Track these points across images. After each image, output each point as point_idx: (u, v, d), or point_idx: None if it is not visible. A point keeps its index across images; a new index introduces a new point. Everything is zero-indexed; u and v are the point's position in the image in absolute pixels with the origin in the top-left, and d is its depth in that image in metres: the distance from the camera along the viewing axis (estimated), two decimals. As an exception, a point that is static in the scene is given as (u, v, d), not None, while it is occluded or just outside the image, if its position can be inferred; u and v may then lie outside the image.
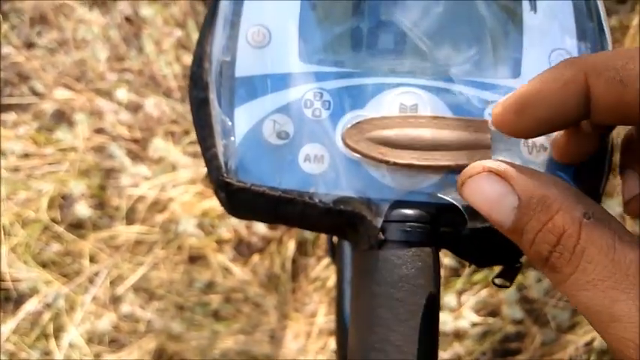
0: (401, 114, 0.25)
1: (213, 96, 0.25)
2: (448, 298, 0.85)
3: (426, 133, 0.24)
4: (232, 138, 0.25)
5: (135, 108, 1.04)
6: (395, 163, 0.23)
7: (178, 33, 1.08)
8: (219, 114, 0.25)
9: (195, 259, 0.94)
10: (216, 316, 0.92)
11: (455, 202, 0.24)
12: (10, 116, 1.06)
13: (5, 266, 0.91)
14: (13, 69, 1.12)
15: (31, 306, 0.91)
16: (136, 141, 1.02)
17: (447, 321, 0.83)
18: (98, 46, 1.06)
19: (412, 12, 0.26)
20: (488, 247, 0.25)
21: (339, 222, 0.25)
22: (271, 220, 0.26)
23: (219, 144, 0.25)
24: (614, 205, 0.83)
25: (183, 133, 1.02)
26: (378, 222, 0.24)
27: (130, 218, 0.96)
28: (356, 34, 0.26)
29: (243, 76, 0.25)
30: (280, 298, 0.90)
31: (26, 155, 1.01)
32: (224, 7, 0.25)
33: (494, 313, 0.86)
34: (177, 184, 0.94)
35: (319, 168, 0.25)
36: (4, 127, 1.04)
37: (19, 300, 0.93)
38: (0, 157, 0.99)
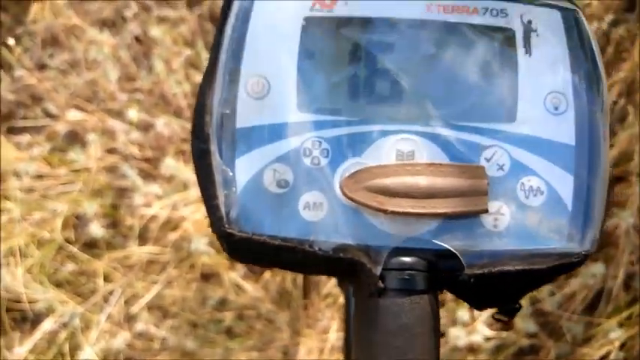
0: (397, 162, 0.25)
1: (214, 147, 0.25)
2: (461, 313, 0.85)
3: (423, 181, 0.24)
4: (233, 188, 0.25)
5: (146, 127, 1.06)
6: (393, 212, 0.24)
7: (187, 52, 1.10)
8: (220, 165, 0.25)
9: (208, 276, 0.94)
10: (230, 333, 0.93)
11: (452, 249, 0.24)
12: (24, 138, 1.08)
13: (21, 287, 0.92)
14: (26, 91, 1.14)
15: (47, 326, 0.92)
16: (147, 160, 1.03)
17: (460, 336, 0.83)
18: (109, 67, 1.08)
19: (407, 60, 0.26)
20: (487, 291, 0.25)
21: (339, 269, 0.25)
22: (273, 266, 0.27)
23: (221, 194, 0.25)
24: (627, 217, 0.83)
25: (194, 151, 1.03)
26: (378, 270, 0.24)
27: (143, 237, 0.97)
28: (352, 83, 0.26)
29: (244, 126, 0.25)
30: (292, 314, 0.91)
31: (40, 176, 1.02)
32: (224, 59, 0.26)
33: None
34: (189, 202, 0.95)
35: (318, 215, 0.25)
36: (18, 148, 1.06)
37: (36, 320, 0.94)
38: (14, 179, 1.01)
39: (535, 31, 0.26)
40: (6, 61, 1.15)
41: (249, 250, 0.25)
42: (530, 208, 0.25)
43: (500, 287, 0.25)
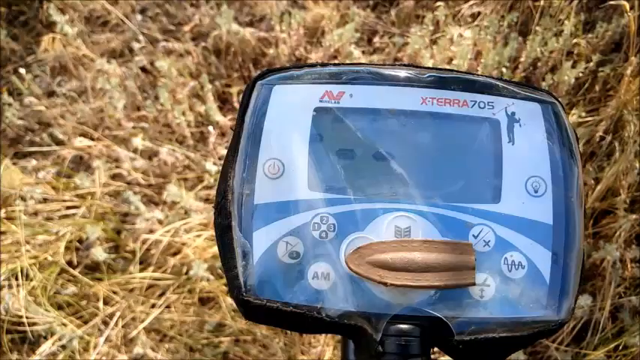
0: (396, 238, 0.28)
1: (234, 223, 0.28)
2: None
3: (418, 257, 0.27)
4: (251, 259, 0.28)
5: (150, 155, 1.09)
6: (392, 284, 0.27)
7: (192, 83, 1.14)
8: (239, 238, 0.28)
9: (206, 301, 0.96)
10: (226, 357, 0.94)
11: (443, 318, 0.27)
12: (31, 162, 1.11)
13: (22, 309, 0.94)
14: (34, 117, 1.17)
15: (46, 348, 0.93)
16: (150, 186, 1.06)
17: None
18: (116, 96, 1.12)
19: (405, 146, 0.30)
20: (474, 353, 0.28)
21: (343, 332, 0.28)
22: (284, 327, 0.30)
23: (240, 265, 0.28)
24: (613, 250, 0.85)
25: (196, 179, 1.06)
26: (378, 336, 0.27)
27: (144, 261, 0.99)
28: (356, 166, 0.30)
29: (261, 203, 0.29)
30: (287, 340, 0.92)
31: (45, 200, 1.05)
32: (244, 145, 0.30)
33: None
34: (190, 228, 0.98)
35: (326, 284, 0.28)
36: (24, 172, 1.09)
37: (35, 342, 0.95)
38: (19, 202, 1.04)
39: (518, 121, 0.30)
40: (16, 88, 1.19)
41: (264, 315, 0.28)
42: (512, 280, 0.28)
43: (485, 351, 0.28)
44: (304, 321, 0.28)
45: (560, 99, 1.09)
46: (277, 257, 0.28)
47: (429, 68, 0.31)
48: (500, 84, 0.31)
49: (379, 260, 0.27)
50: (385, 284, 0.27)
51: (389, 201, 0.29)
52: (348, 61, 1.14)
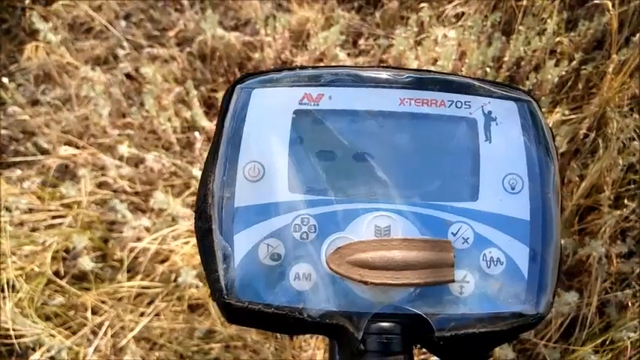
0: (376, 237, 0.28)
1: (215, 226, 0.29)
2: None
3: (398, 255, 0.27)
4: (232, 262, 0.28)
5: (136, 162, 1.08)
6: (372, 283, 0.27)
7: (177, 89, 1.13)
8: (220, 241, 0.28)
9: (195, 308, 0.96)
10: (217, 364, 0.93)
11: (423, 315, 0.28)
12: (15, 172, 1.10)
13: (9, 321, 0.93)
14: (18, 126, 1.16)
15: (34, 359, 0.92)
16: (137, 194, 1.05)
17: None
18: (100, 103, 1.11)
19: (384, 146, 0.30)
20: (456, 349, 0.28)
21: (325, 332, 0.29)
22: (267, 329, 0.30)
23: (221, 268, 0.28)
24: (598, 246, 0.86)
25: (183, 185, 1.06)
26: (359, 334, 0.27)
27: (132, 270, 0.98)
28: (336, 166, 0.30)
29: (242, 206, 0.29)
30: (278, 345, 0.92)
31: (31, 210, 1.04)
32: (224, 148, 0.30)
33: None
34: (178, 235, 0.97)
35: (307, 285, 0.28)
36: (8, 183, 1.08)
37: (23, 354, 0.94)
38: (4, 213, 1.02)
39: (495, 120, 0.30)
40: (-1, 97, 1.18)
41: (246, 317, 0.28)
42: (491, 276, 0.28)
43: (466, 346, 0.28)
44: (286, 322, 0.28)
45: (543, 97, 1.10)
46: (258, 259, 0.28)
47: (406, 69, 0.31)
48: (476, 83, 0.31)
49: (359, 259, 0.27)
50: (366, 283, 0.27)
51: (369, 201, 0.29)
52: (327, 64, 1.14)
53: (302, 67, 0.31)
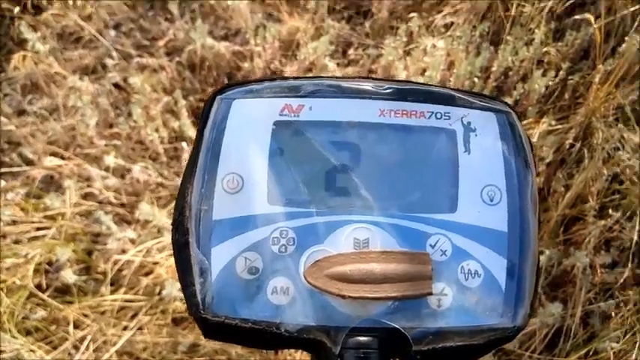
0: (354, 250, 0.28)
1: (192, 239, 0.28)
2: None
3: (377, 268, 0.27)
4: (209, 275, 0.28)
5: (122, 173, 1.07)
6: (350, 297, 0.27)
7: (166, 99, 1.13)
8: (197, 254, 0.28)
9: (179, 321, 0.94)
10: (202, 378, 0.92)
11: (401, 329, 0.27)
12: None
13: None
14: (3, 136, 1.15)
15: (14, 375, 0.91)
16: (123, 205, 1.04)
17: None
18: (88, 113, 1.10)
19: (363, 158, 0.30)
20: None
21: (302, 347, 0.28)
22: (244, 344, 0.29)
23: (197, 282, 0.28)
24: (582, 256, 0.86)
25: (170, 196, 1.05)
26: (337, 349, 0.27)
27: (116, 282, 0.97)
28: (315, 178, 0.29)
29: (220, 219, 0.28)
30: (263, 358, 0.91)
31: (14, 222, 1.03)
32: (202, 160, 0.29)
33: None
34: (163, 247, 0.96)
35: (285, 299, 0.28)
36: (-7, 194, 1.06)
37: (3, 370, 0.92)
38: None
39: (474, 131, 0.30)
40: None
41: (223, 332, 0.28)
42: (469, 289, 0.28)
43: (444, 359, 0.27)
44: (263, 337, 0.27)
45: (530, 107, 1.10)
46: (236, 273, 0.28)
47: (387, 80, 0.31)
48: (456, 94, 0.31)
49: (337, 273, 0.27)
50: (343, 297, 0.26)
51: (348, 213, 0.29)
52: (315, 74, 1.14)
53: (283, 78, 0.31)
